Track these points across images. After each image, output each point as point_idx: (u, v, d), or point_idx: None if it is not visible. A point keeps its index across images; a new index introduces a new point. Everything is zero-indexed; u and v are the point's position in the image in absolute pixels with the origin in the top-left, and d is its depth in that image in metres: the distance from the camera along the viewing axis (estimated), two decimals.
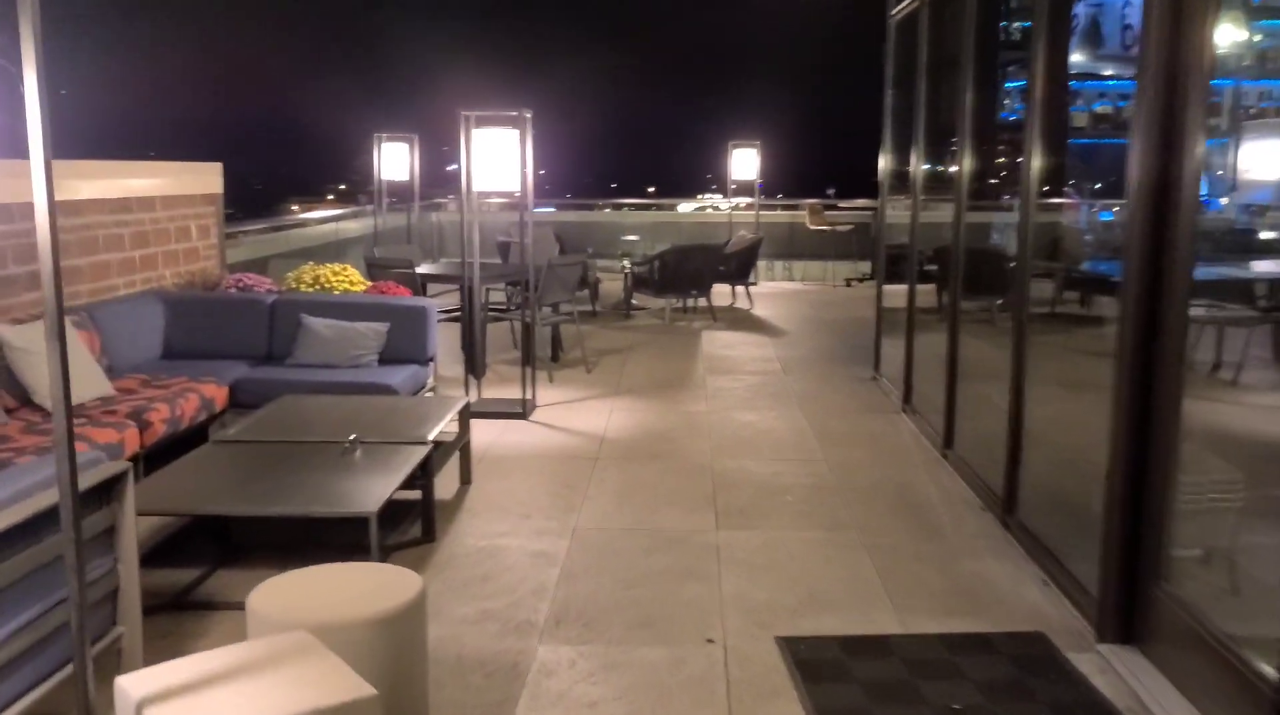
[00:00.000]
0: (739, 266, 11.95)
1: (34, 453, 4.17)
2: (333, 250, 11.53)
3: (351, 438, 4.36)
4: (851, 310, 11.88)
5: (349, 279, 6.88)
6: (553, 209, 19.57)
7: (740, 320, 11.17)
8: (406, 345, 6.26)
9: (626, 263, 11.60)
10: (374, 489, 3.83)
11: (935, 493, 5.28)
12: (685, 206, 18.99)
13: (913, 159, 6.78)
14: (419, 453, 4.33)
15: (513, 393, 7.01)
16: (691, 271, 10.76)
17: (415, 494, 4.42)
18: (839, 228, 14.07)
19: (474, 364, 7.32)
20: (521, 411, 6.74)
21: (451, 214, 15.26)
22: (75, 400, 5.14)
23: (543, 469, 5.63)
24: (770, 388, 7.75)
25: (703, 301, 11.29)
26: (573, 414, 6.90)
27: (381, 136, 11.75)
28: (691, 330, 10.44)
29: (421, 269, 8.10)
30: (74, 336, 5.22)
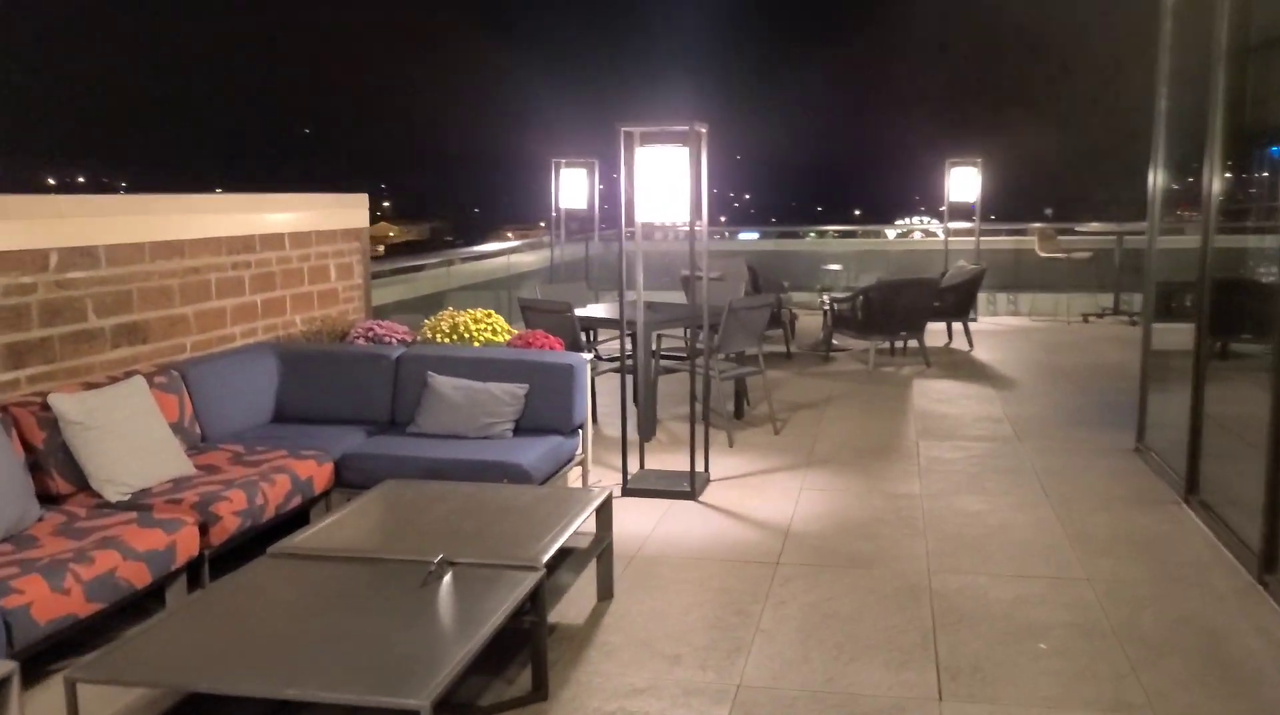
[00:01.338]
0: (957, 302, 10.37)
1: (43, 567, 3.27)
2: (505, 287, 10.70)
3: (438, 560, 3.26)
4: (1095, 354, 10.07)
5: (492, 327, 5.87)
6: (756, 236, 18.40)
7: (958, 365, 9.60)
8: (549, 411, 5.16)
9: (826, 298, 10.24)
10: (442, 656, 2.69)
11: (1261, 647, 3.71)
12: (892, 231, 17.43)
13: (1207, 171, 5.18)
14: (525, 583, 3.19)
15: (682, 461, 5.81)
16: (901, 309, 9.29)
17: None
18: (1074, 255, 12.22)
19: (640, 423, 6.18)
20: (690, 489, 5.53)
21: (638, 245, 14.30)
22: (139, 483, 4.31)
23: (707, 579, 4.40)
24: (1001, 460, 6.24)
25: (913, 342, 9.78)
26: (753, 493, 5.63)
27: (560, 162, 10.86)
28: (900, 378, 8.97)
29: (582, 312, 7.03)
30: (148, 403, 4.38)
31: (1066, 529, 4.98)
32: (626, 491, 5.60)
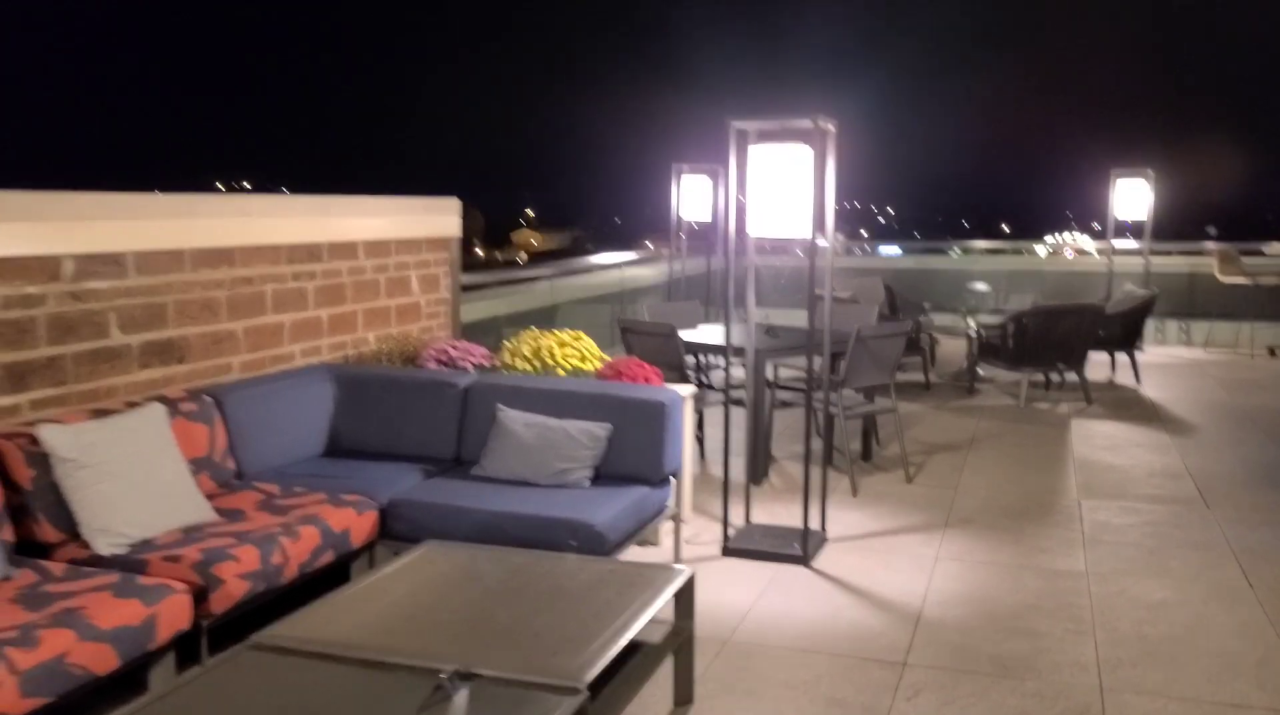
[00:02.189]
0: (1123, 331, 9.15)
1: None
2: (619, 301, 9.98)
3: (451, 671, 2.50)
4: None
5: (581, 351, 5.12)
6: (897, 251, 17.27)
7: (1124, 404, 8.40)
8: (635, 457, 4.37)
9: (972, 322, 9.17)
10: None
11: None
12: (1042, 248, 16.04)
13: None
14: (562, 709, 2.40)
15: (797, 514, 4.94)
16: (1059, 339, 8.17)
17: None
18: (1261, 281, 10.78)
19: (750, 465, 5.34)
20: (801, 551, 4.66)
21: (765, 259, 13.38)
22: (139, 533, 3.64)
23: (814, 683, 3.52)
24: (1186, 530, 5.16)
25: (1071, 376, 8.62)
26: (878, 559, 4.72)
27: (681, 167, 10.06)
28: (1056, 417, 7.86)
29: (690, 335, 6.22)
30: (163, 435, 3.77)
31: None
32: (727, 551, 4.77)
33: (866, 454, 6.53)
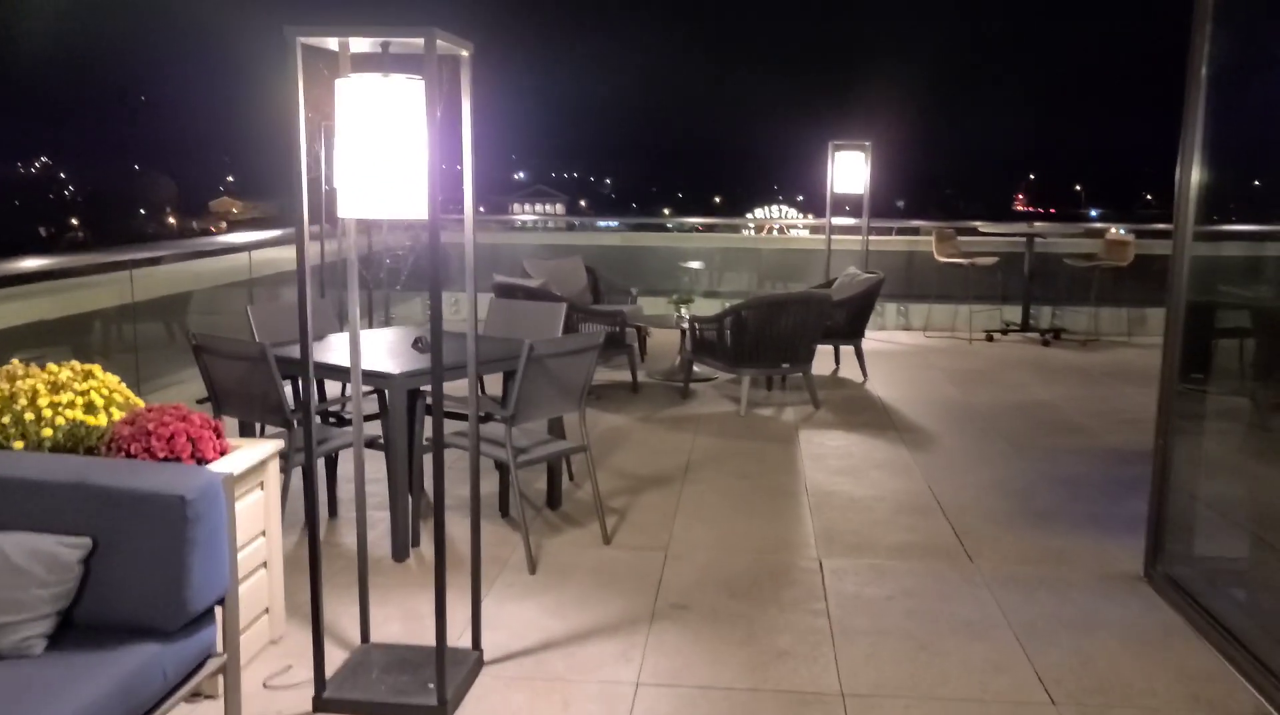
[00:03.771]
0: (849, 319, 8.16)
1: None
2: (246, 298, 7.96)
3: None
4: (1015, 387, 7.99)
5: (91, 397, 3.24)
6: (615, 224, 16.13)
7: (853, 404, 7.37)
8: (137, 589, 2.59)
9: (684, 313, 7.89)
10: None
11: None
12: (750, 226, 15.30)
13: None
14: None
15: (454, 610, 3.31)
16: (783, 335, 7.00)
17: None
18: (978, 261, 10.20)
19: (395, 535, 3.68)
20: (438, 698, 3.05)
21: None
22: None
23: None
24: (953, 602, 3.97)
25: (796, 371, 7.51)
26: (554, 697, 3.19)
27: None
28: (782, 427, 6.68)
29: (284, 352, 4.42)
30: None
31: None
32: (322, 705, 3.09)
33: (554, 499, 5.01)
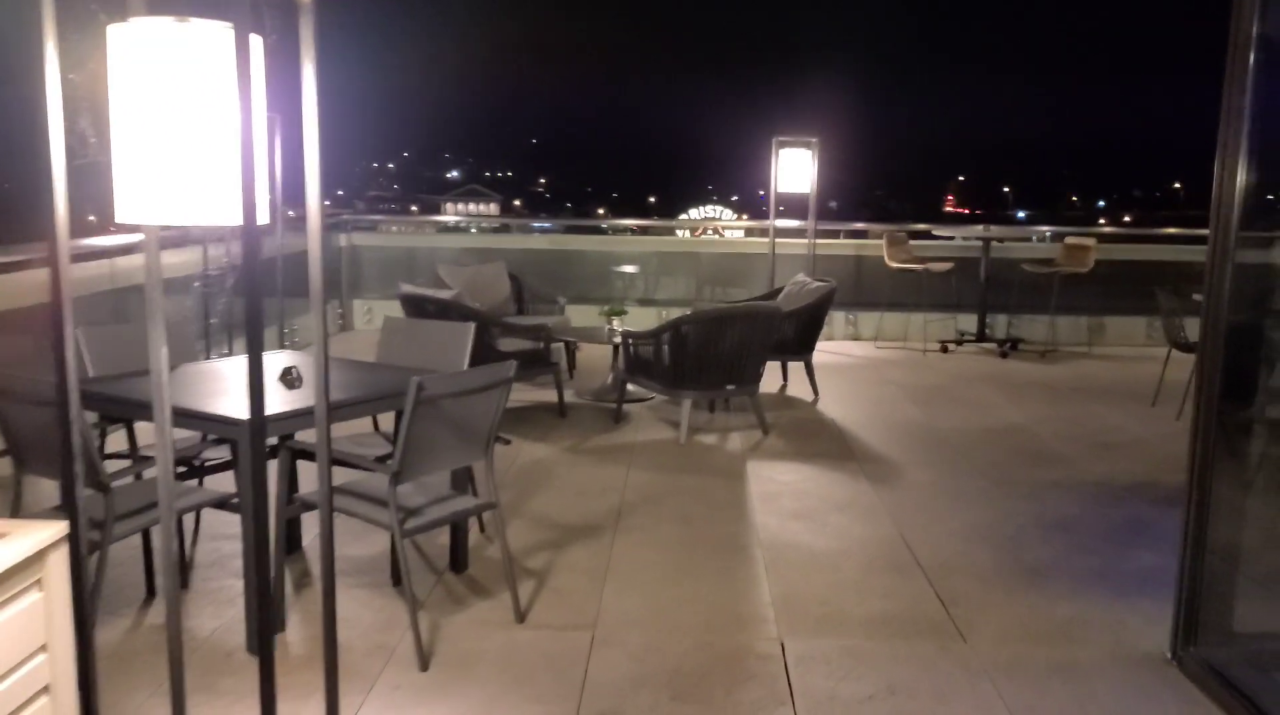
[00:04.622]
0: (800, 332, 7.40)
1: None
2: (120, 312, 6.94)
3: None
4: (980, 406, 7.28)
5: None
6: (549, 225, 15.33)
7: (806, 431, 6.61)
8: None
9: (617, 325, 7.07)
10: None
11: None
12: (683, 230, 14.57)
13: None
14: None
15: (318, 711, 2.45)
16: (728, 353, 6.20)
17: None
18: (933, 267, 9.52)
19: (248, 620, 2.79)
20: None
21: (385, 238, 10.62)
22: None
23: None
24: (947, 700, 3.18)
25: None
26: None
27: None
28: (728, 459, 5.88)
29: (124, 390, 3.50)
30: None
31: None
32: None
33: (459, 561, 4.14)
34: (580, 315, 8.50)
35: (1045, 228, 12.62)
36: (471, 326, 4.32)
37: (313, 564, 4.14)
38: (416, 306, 6.45)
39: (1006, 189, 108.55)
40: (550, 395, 7.09)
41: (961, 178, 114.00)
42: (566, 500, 5.07)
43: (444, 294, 6.39)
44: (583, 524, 4.72)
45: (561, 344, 7.87)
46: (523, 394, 7.32)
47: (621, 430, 6.48)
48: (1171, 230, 11.14)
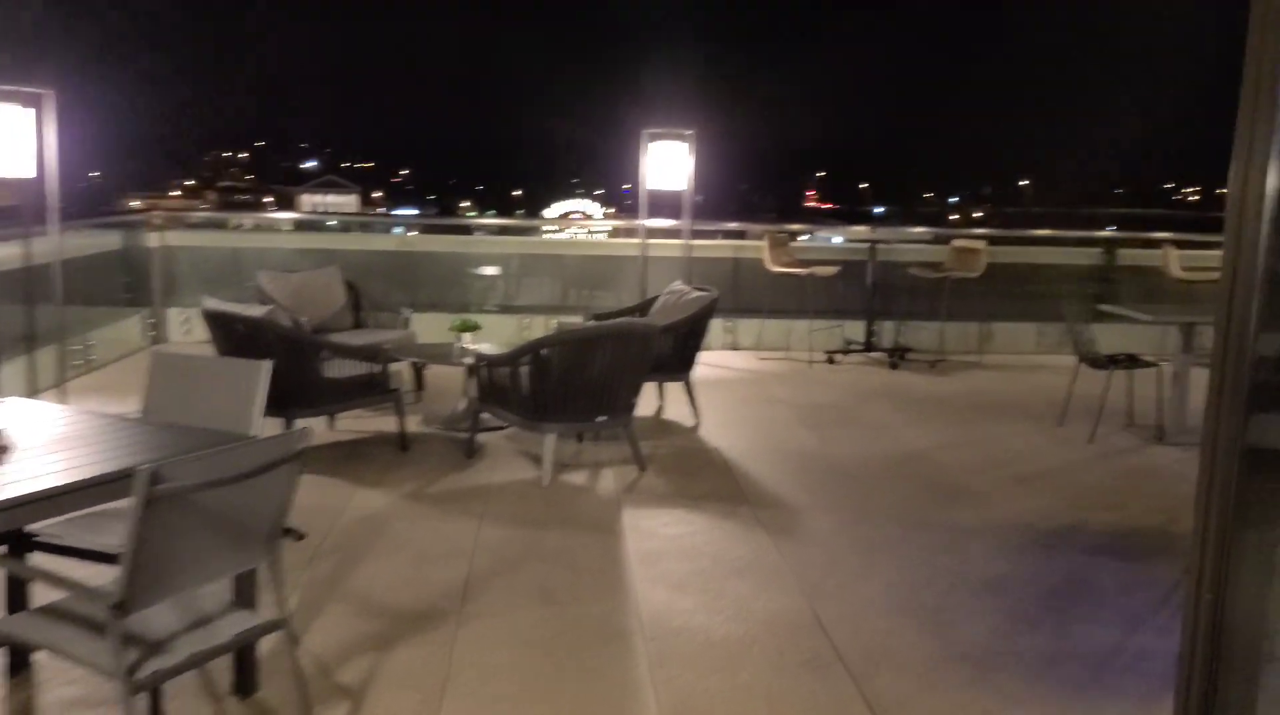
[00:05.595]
0: (678, 347, 6.54)
1: None
2: None
3: None
4: (878, 428, 6.56)
5: None
6: (416, 212, 14.12)
7: (689, 461, 5.76)
8: None
9: (469, 343, 6.10)
10: None
11: None
12: (550, 224, 13.65)
13: None
14: None
15: None
16: (598, 379, 5.29)
17: None
18: (818, 271, 8.81)
19: None
20: None
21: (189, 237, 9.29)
22: None
23: None
24: None
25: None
26: None
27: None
28: (600, 504, 4.98)
29: None
30: None
31: None
32: None
33: (245, 682, 3.11)
34: (430, 326, 7.47)
35: (924, 228, 12.14)
36: (265, 367, 3.29)
37: (43, 689, 3.06)
38: (223, 326, 5.34)
39: (864, 185, 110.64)
40: (392, 423, 6.06)
41: (821, 173, 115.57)
42: (401, 571, 4.08)
43: (256, 311, 5.28)
44: (419, 609, 3.74)
45: (409, 368, 6.84)
46: (359, 422, 6.28)
47: (475, 467, 5.50)
48: (1049, 232, 10.77)
